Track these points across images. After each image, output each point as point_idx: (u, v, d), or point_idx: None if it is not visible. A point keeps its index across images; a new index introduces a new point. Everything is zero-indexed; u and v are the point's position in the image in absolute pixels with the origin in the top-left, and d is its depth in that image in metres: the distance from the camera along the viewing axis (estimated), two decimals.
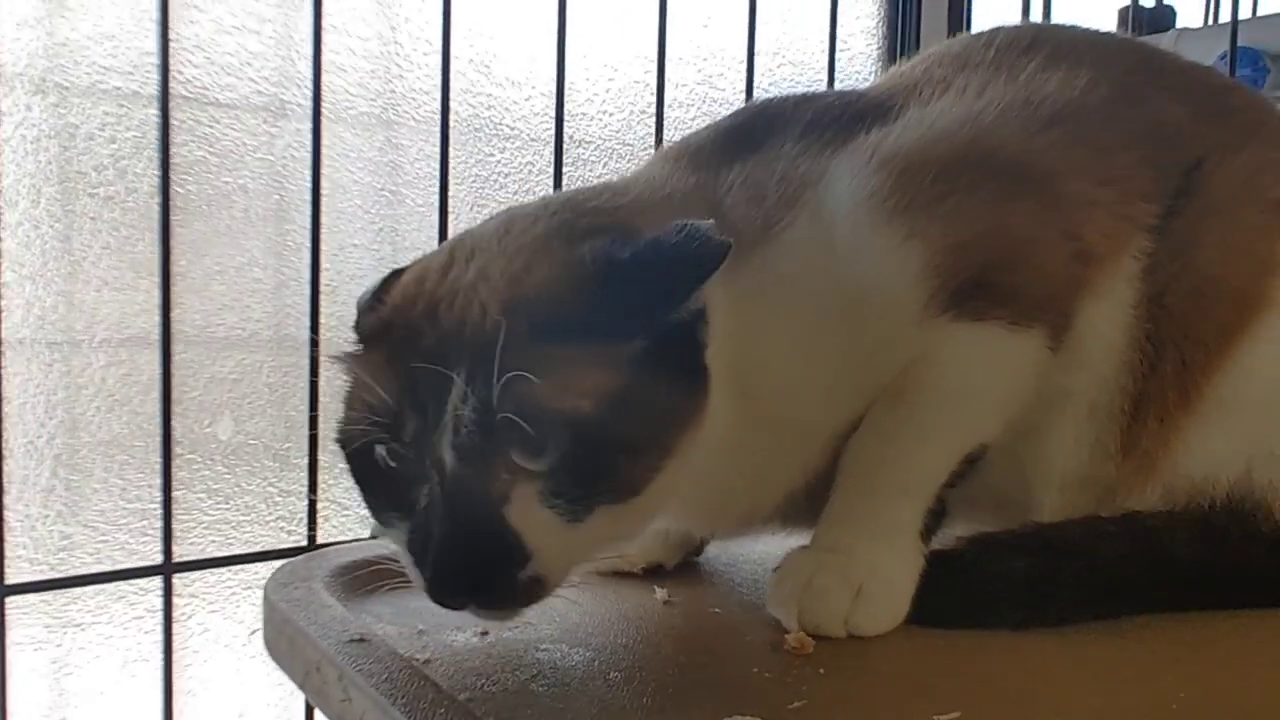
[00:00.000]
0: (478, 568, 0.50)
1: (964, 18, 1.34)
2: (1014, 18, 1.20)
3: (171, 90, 0.92)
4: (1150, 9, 1.18)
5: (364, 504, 0.56)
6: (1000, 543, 0.63)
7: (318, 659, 0.54)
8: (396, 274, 0.59)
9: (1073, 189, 0.63)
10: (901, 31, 1.39)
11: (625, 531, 0.57)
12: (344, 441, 0.55)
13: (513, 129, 1.15)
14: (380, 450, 0.52)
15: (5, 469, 0.84)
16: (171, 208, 0.93)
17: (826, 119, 0.66)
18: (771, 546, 0.68)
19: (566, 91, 1.15)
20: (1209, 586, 0.64)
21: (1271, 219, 0.63)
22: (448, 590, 0.51)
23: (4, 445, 0.84)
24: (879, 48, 1.42)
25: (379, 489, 0.54)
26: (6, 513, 0.84)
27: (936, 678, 0.55)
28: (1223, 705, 0.52)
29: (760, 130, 0.66)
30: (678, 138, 0.72)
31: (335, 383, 0.90)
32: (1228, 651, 0.59)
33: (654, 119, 1.20)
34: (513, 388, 0.49)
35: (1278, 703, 0.52)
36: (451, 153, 1.10)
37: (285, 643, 0.58)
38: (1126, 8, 1.20)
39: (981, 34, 0.75)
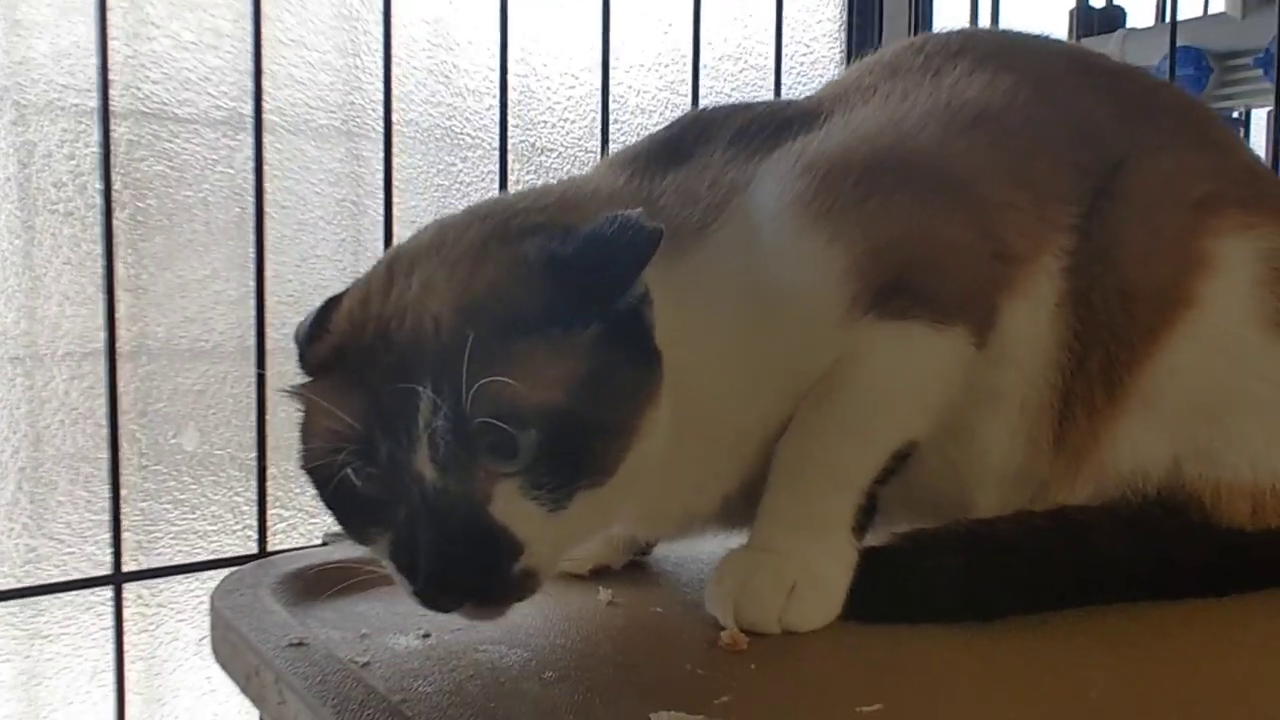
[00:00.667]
0: (471, 568, 0.52)
1: (925, 22, 1.36)
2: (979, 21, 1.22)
3: (131, 106, 0.94)
4: (1100, 9, 1.20)
5: (340, 524, 0.57)
6: (933, 539, 0.65)
7: (257, 663, 0.55)
8: (334, 300, 0.59)
9: (990, 191, 0.64)
10: (862, 36, 1.41)
11: (604, 516, 0.58)
12: (312, 470, 0.56)
13: (474, 138, 1.17)
14: (349, 473, 0.53)
15: None
16: (133, 222, 0.94)
17: (755, 127, 0.67)
18: (718, 546, 0.69)
19: (528, 99, 1.17)
20: (1139, 580, 0.65)
21: (1192, 219, 0.65)
22: (442, 594, 0.52)
23: None
24: (841, 51, 1.44)
25: (353, 509, 0.55)
26: None
27: (864, 671, 0.56)
28: (1139, 696, 0.53)
29: (692, 139, 0.68)
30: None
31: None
32: (1152, 644, 0.60)
33: (619, 125, 1.23)
34: (483, 392, 0.50)
35: (1195, 694, 0.54)
36: (413, 162, 1.12)
37: (228, 648, 0.59)
38: (1076, 8, 1.22)
39: (915, 40, 0.77)
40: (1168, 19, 1.21)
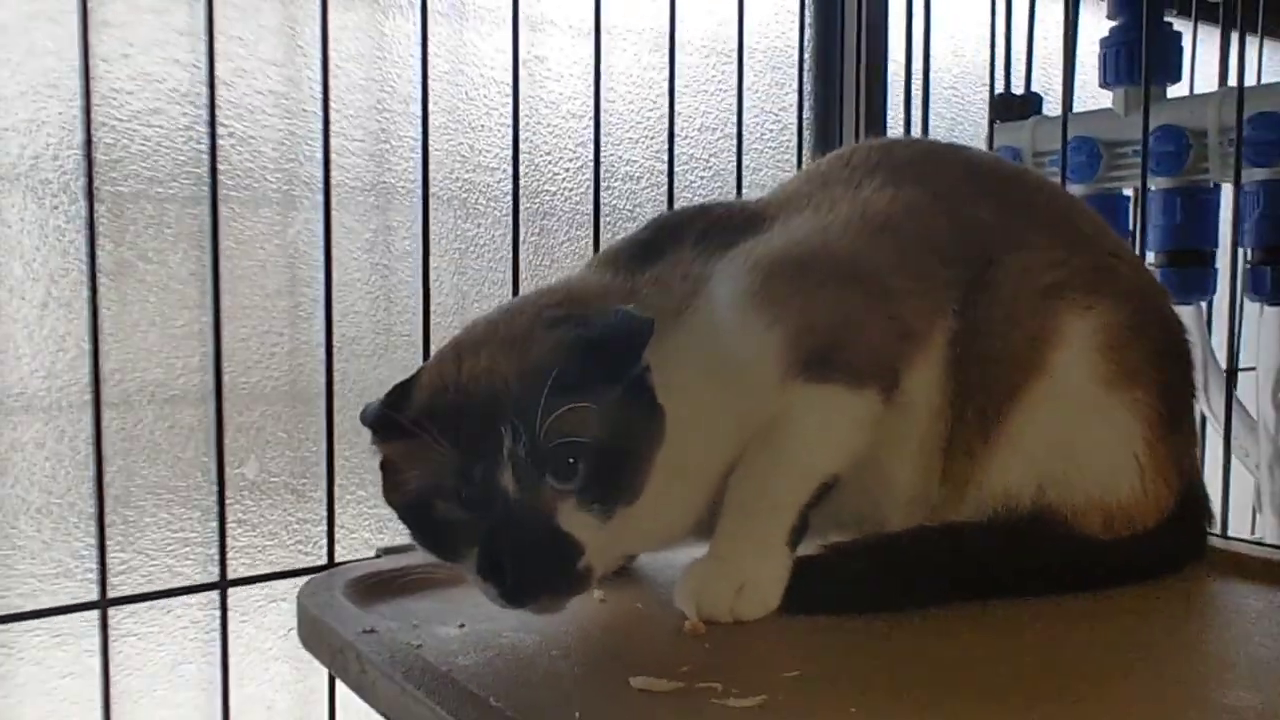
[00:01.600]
0: (544, 567, 0.70)
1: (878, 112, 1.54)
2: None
3: (197, 192, 1.13)
4: (1019, 96, 1.39)
5: (431, 548, 0.75)
6: (850, 549, 0.84)
7: (340, 645, 0.74)
8: (404, 385, 0.77)
9: (894, 282, 0.83)
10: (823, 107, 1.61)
11: (634, 528, 0.76)
12: (410, 504, 0.74)
13: (486, 206, 1.36)
14: (440, 504, 0.72)
15: None
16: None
17: (715, 230, 0.87)
18: (685, 556, 0.88)
19: (533, 171, 1.37)
20: (1013, 580, 0.83)
21: (1040, 303, 0.84)
22: (523, 591, 0.70)
23: None
24: (811, 128, 1.64)
25: (446, 533, 0.73)
26: None
27: (790, 649, 0.74)
28: (1010, 678, 0.69)
29: (663, 240, 0.87)
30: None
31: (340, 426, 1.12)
32: (1024, 632, 0.77)
33: (609, 191, 1.43)
34: (549, 427, 0.69)
35: (1065, 673, 0.70)
36: (436, 229, 1.31)
37: (315, 636, 0.78)
38: (1000, 94, 1.41)
39: (844, 152, 0.96)
40: (1071, 109, 1.42)
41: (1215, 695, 0.67)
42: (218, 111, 1.15)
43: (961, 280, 0.85)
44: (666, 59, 1.35)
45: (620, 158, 1.46)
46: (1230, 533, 1.06)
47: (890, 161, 0.92)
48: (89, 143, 0.99)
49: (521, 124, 1.37)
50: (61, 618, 1.05)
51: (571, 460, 0.70)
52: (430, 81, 1.28)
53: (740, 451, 0.82)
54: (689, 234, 0.87)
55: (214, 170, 1.07)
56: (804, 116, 1.53)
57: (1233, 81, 1.05)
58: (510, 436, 0.69)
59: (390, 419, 0.74)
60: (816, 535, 0.85)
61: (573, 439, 0.70)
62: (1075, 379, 0.83)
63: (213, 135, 1.07)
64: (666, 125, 1.36)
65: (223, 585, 1.01)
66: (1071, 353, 0.83)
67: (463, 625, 0.79)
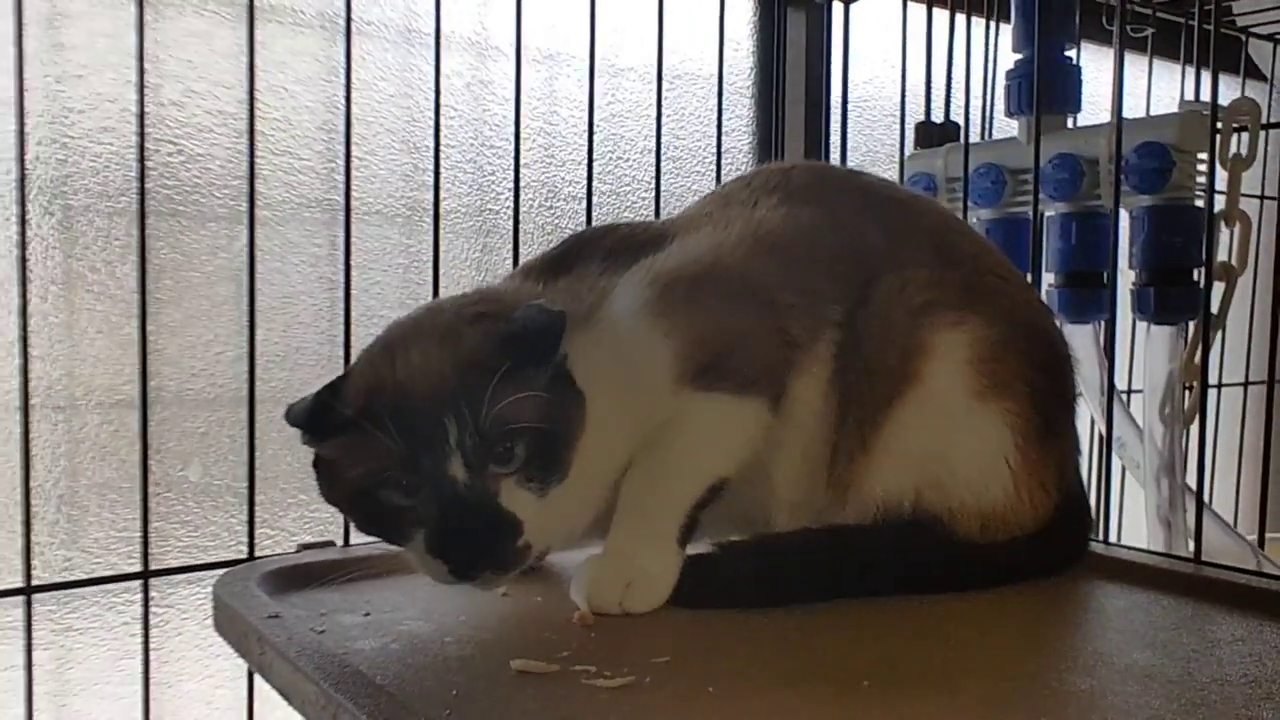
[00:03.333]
0: (491, 542, 0.76)
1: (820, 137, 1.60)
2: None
3: (150, 206, 1.19)
4: (939, 125, 1.46)
5: (376, 532, 0.81)
6: (738, 547, 0.89)
7: (245, 629, 0.79)
8: (332, 385, 0.81)
9: (780, 297, 0.89)
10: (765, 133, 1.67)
11: (566, 506, 0.81)
12: (352, 494, 0.79)
13: (430, 224, 1.42)
14: (384, 492, 0.77)
15: None
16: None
17: (620, 248, 0.92)
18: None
19: (482, 187, 1.43)
20: (893, 580, 0.88)
21: (913, 319, 0.89)
22: (471, 564, 0.77)
23: None
24: (751, 144, 1.70)
25: (390, 518, 0.78)
26: None
27: (668, 639, 0.79)
28: (866, 669, 0.73)
29: (574, 255, 0.93)
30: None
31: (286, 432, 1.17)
32: (901, 626, 0.83)
33: (552, 211, 1.49)
34: (491, 416, 0.75)
35: (944, 667, 0.74)
36: (380, 245, 1.37)
37: (226, 620, 0.83)
38: (921, 123, 1.48)
39: (747, 175, 1.02)
40: (989, 136, 1.49)
41: (1053, 682, 0.72)
42: (169, 130, 1.21)
43: (846, 296, 0.91)
44: (610, 85, 1.41)
45: (564, 178, 1.52)
46: (1131, 543, 1.11)
47: (788, 184, 0.97)
48: (21, 158, 1.04)
49: (467, 145, 1.44)
50: None
51: (509, 445, 0.76)
52: (377, 104, 1.35)
53: (633, 455, 0.87)
54: (597, 250, 0.93)
55: (142, 184, 1.12)
56: (737, 140, 1.59)
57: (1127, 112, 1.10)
58: (456, 426, 0.75)
59: (322, 419, 0.79)
60: (708, 535, 0.90)
61: (512, 425, 0.76)
62: (947, 390, 0.89)
63: (141, 152, 1.12)
64: (609, 149, 1.42)
65: (145, 575, 1.06)
66: (943, 365, 0.89)
67: (367, 614, 0.84)
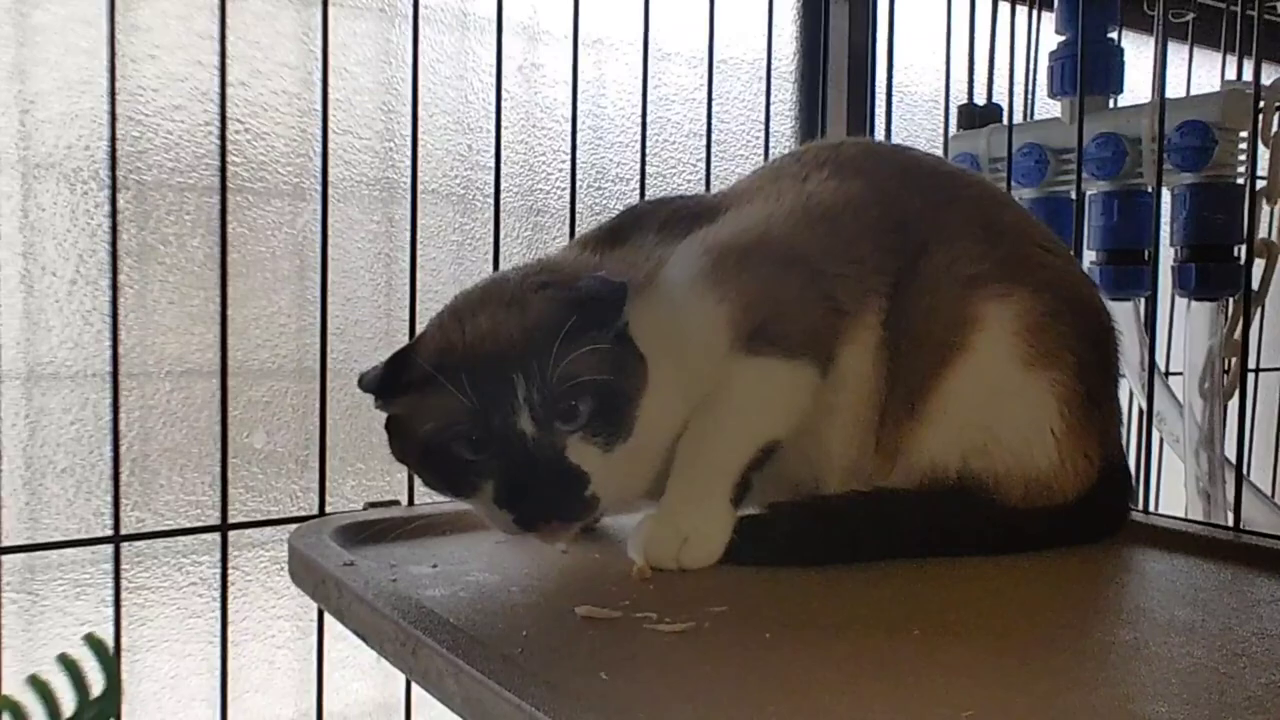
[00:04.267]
0: (557, 493, 0.81)
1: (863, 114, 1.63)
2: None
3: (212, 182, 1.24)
4: (981, 107, 1.48)
5: (444, 486, 0.85)
6: (787, 508, 0.92)
7: (322, 576, 0.84)
8: (406, 351, 0.86)
9: (828, 266, 0.92)
10: (809, 116, 1.70)
11: (629, 464, 0.85)
12: (422, 449, 0.84)
13: (484, 202, 1.46)
14: (454, 447, 0.82)
15: None
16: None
17: (674, 219, 0.96)
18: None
19: (528, 171, 1.47)
20: (936, 542, 0.91)
21: (962, 290, 0.92)
22: (540, 514, 0.81)
23: None
24: (793, 129, 1.73)
25: (460, 471, 0.82)
26: None
27: (722, 590, 0.82)
28: (912, 618, 0.76)
29: (629, 227, 0.97)
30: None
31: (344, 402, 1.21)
32: (939, 585, 0.86)
33: (600, 191, 1.53)
34: (558, 372, 0.79)
35: (958, 617, 0.77)
36: (436, 222, 1.41)
37: (302, 570, 0.88)
38: (964, 105, 1.50)
39: (797, 150, 1.05)
40: (1032, 117, 1.51)
41: (1097, 633, 0.76)
42: (235, 109, 1.26)
43: (894, 267, 0.94)
44: (655, 69, 1.44)
45: (612, 160, 1.56)
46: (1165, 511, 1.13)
47: (837, 158, 1.00)
48: (113, 136, 1.09)
49: (518, 127, 1.48)
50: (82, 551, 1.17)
51: (574, 402, 0.80)
52: (433, 86, 1.39)
53: (688, 418, 0.91)
54: (652, 221, 0.96)
55: (223, 161, 1.17)
56: (780, 125, 1.62)
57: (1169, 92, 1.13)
58: (524, 384, 0.79)
59: (395, 379, 0.84)
60: (759, 497, 0.94)
61: (577, 381, 0.80)
62: (994, 359, 0.91)
63: (223, 130, 1.17)
64: (654, 132, 1.45)
65: (224, 528, 1.11)
66: (991, 335, 0.91)
67: (435, 565, 0.88)
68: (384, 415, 0.89)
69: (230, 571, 1.18)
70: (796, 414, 0.91)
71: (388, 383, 0.85)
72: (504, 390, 0.79)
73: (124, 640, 1.15)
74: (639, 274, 0.92)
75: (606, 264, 0.93)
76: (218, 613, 1.16)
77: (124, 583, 1.17)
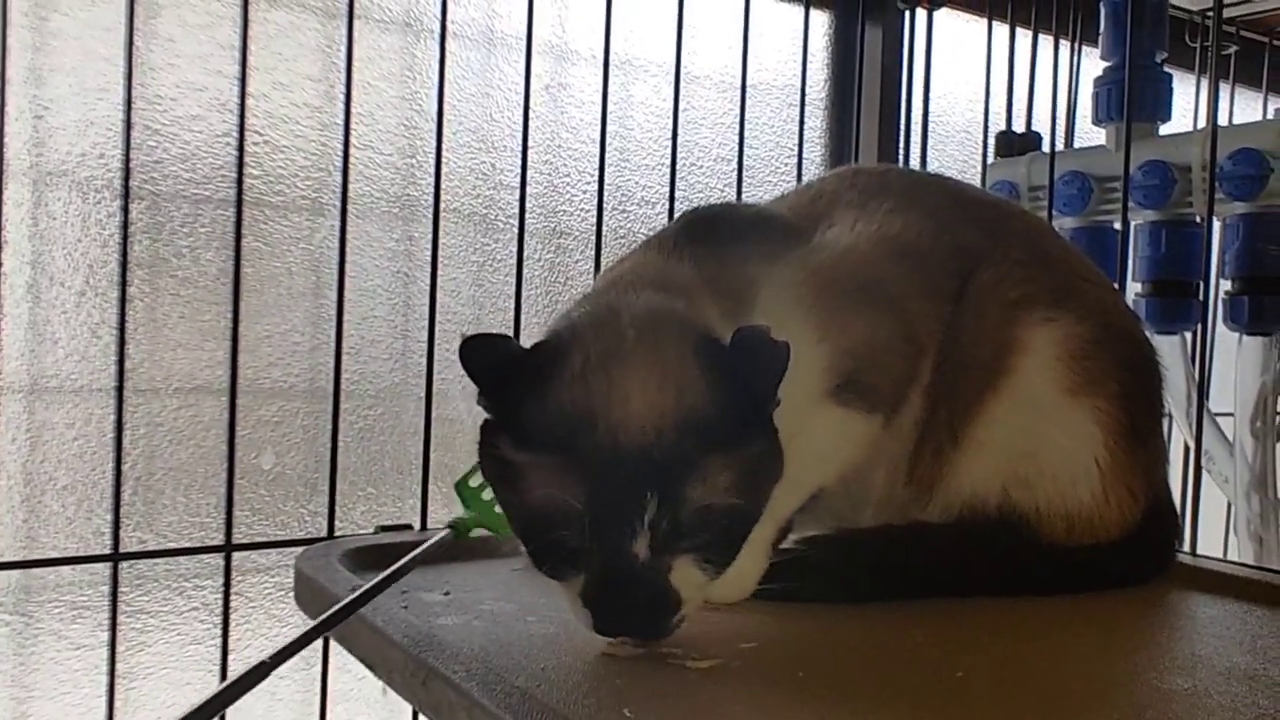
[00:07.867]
0: (650, 615, 0.68)
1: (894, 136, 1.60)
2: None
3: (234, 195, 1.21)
4: (1020, 135, 1.45)
5: (532, 554, 0.70)
6: (823, 543, 0.87)
7: (330, 601, 0.79)
8: (532, 360, 0.69)
9: (911, 304, 0.87)
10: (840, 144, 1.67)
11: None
12: (527, 513, 0.69)
13: (506, 223, 1.42)
14: (560, 526, 0.66)
15: None
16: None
17: (762, 233, 0.89)
18: None
19: (551, 192, 1.43)
20: (974, 580, 0.87)
21: (1007, 314, 0.88)
22: (624, 629, 0.69)
23: None
24: (823, 155, 1.70)
25: (554, 553, 0.69)
26: None
27: (752, 625, 0.79)
28: (950, 661, 0.73)
29: (707, 234, 0.86)
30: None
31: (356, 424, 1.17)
32: (981, 627, 0.81)
33: (624, 214, 1.50)
34: (690, 496, 0.66)
35: (998, 661, 0.76)
36: (457, 242, 1.38)
37: (308, 594, 0.83)
38: (1002, 132, 1.47)
39: (844, 173, 1.01)
40: (1071, 145, 1.47)
41: (1152, 680, 0.70)
42: (253, 120, 1.23)
43: (954, 291, 0.90)
44: (682, 92, 1.42)
45: (637, 183, 1.52)
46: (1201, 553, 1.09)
47: (888, 185, 0.96)
48: (128, 144, 1.06)
49: (543, 147, 1.45)
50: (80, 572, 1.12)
51: (701, 534, 0.67)
52: (457, 103, 1.36)
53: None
54: (731, 231, 0.88)
55: (240, 174, 1.14)
56: (811, 151, 1.58)
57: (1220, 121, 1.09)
58: (655, 508, 0.65)
59: (516, 413, 0.69)
60: (793, 530, 0.89)
61: (714, 506, 0.67)
62: (1038, 385, 0.87)
63: (241, 142, 1.14)
64: (681, 155, 1.42)
65: (227, 549, 1.06)
66: (1035, 360, 0.87)
67: (448, 593, 0.84)
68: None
69: (233, 598, 1.14)
70: (854, 465, 0.87)
71: (508, 413, 0.70)
72: (631, 507, 0.65)
73: (120, 666, 1.10)
74: (731, 293, 0.81)
75: (706, 282, 0.81)
76: (219, 640, 1.11)
77: (123, 606, 1.13)
